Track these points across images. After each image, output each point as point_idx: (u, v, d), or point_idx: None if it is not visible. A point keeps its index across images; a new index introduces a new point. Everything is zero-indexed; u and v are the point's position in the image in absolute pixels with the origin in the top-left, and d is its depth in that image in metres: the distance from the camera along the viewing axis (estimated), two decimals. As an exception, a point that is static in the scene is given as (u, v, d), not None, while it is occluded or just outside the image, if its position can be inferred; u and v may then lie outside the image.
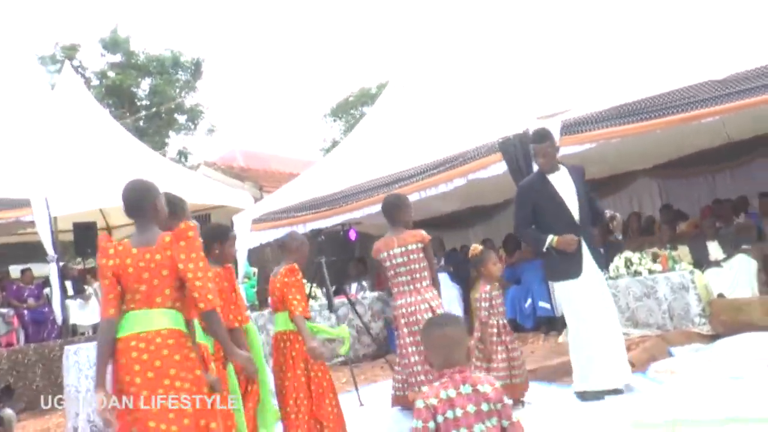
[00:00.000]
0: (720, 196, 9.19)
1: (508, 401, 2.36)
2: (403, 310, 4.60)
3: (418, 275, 4.59)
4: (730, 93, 6.07)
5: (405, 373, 4.69)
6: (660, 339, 6.31)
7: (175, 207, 3.36)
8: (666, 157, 9.62)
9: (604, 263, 5.07)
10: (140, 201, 2.96)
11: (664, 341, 6.24)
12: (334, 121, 28.38)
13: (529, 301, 8.25)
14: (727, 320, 6.26)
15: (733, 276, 7.01)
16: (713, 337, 6.22)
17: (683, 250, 7.68)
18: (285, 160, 17.70)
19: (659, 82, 6.56)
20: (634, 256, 7.13)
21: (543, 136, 5.02)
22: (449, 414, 2.28)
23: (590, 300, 4.84)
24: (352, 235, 9.15)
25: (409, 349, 4.54)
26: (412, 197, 6.94)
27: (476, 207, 11.13)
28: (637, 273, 7.05)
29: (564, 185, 4.92)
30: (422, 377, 4.45)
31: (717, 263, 7.29)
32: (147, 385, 2.69)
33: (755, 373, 4.81)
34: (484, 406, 2.29)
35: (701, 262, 7.43)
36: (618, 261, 7.19)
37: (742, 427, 3.67)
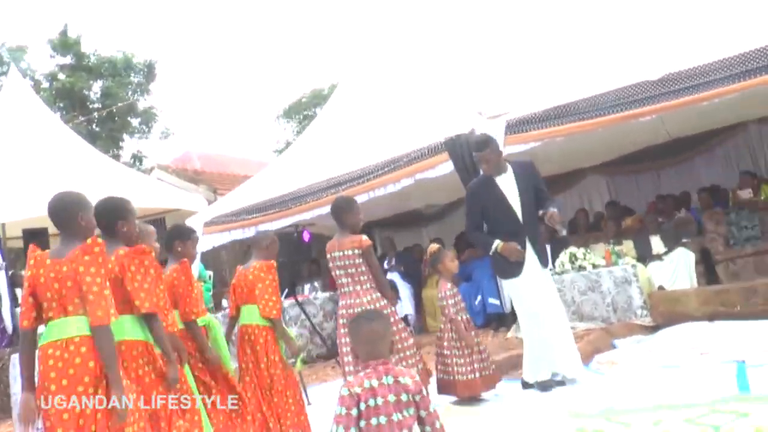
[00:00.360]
0: (665, 191, 9.47)
1: (426, 393, 2.50)
2: (343, 312, 4.62)
3: (357, 279, 4.56)
4: (665, 93, 6.30)
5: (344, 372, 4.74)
6: (604, 332, 6.48)
7: (120, 211, 3.34)
8: (613, 154, 9.87)
9: (546, 261, 5.20)
10: (62, 214, 3.01)
11: (608, 334, 6.41)
12: (287, 122, 28.11)
13: (479, 298, 8.37)
14: (665, 311, 6.47)
15: (674, 269, 7.25)
16: (654, 328, 6.43)
17: (628, 245, 7.91)
18: (239, 163, 17.65)
19: (598, 82, 6.76)
20: (579, 252, 7.33)
21: (483, 143, 5.10)
22: (371, 402, 2.44)
23: (538, 296, 4.98)
24: (306, 236, 9.18)
25: (344, 350, 4.60)
26: (361, 198, 7.02)
27: (428, 206, 11.25)
28: (581, 268, 7.24)
29: (509, 187, 5.03)
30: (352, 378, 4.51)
31: (659, 257, 7.53)
32: (61, 392, 2.71)
33: (689, 361, 5.00)
34: (404, 397, 2.45)
35: (645, 256, 7.66)
36: (563, 256, 7.37)
37: (672, 413, 3.82)
